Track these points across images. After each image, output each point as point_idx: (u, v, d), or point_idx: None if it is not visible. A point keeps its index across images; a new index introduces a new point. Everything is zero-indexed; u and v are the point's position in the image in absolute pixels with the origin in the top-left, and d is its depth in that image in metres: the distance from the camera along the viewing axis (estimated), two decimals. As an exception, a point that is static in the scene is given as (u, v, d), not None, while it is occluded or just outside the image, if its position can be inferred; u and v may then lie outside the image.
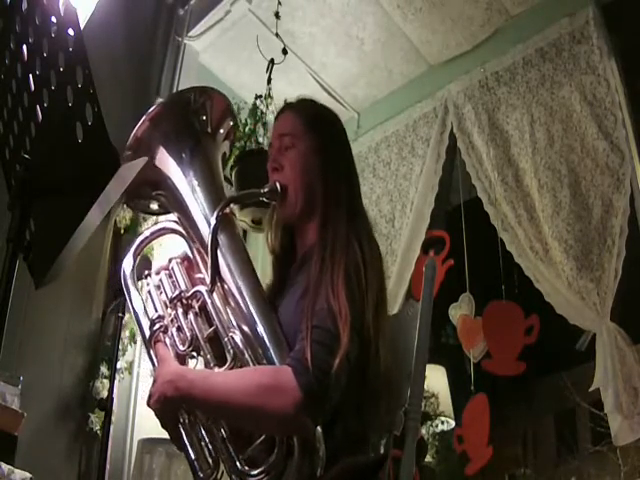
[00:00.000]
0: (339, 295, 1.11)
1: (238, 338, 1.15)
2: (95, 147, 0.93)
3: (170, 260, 1.32)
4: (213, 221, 1.22)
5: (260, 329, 1.15)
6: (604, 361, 2.31)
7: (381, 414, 1.19)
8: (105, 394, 2.31)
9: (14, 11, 1.12)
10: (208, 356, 1.18)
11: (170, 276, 1.29)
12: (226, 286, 1.21)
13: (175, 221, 1.35)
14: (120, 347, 2.52)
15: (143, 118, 1.27)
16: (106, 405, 1.92)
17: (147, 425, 2.51)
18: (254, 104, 2.98)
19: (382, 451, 1.20)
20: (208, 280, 1.21)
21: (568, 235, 2.55)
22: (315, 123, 1.38)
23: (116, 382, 2.29)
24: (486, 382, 2.76)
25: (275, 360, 1.12)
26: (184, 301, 1.24)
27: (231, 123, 1.41)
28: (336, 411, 1.09)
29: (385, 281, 1.27)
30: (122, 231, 2.75)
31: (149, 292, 1.30)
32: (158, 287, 1.29)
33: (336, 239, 1.22)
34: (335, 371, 1.05)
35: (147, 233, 1.37)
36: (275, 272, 1.38)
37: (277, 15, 3.04)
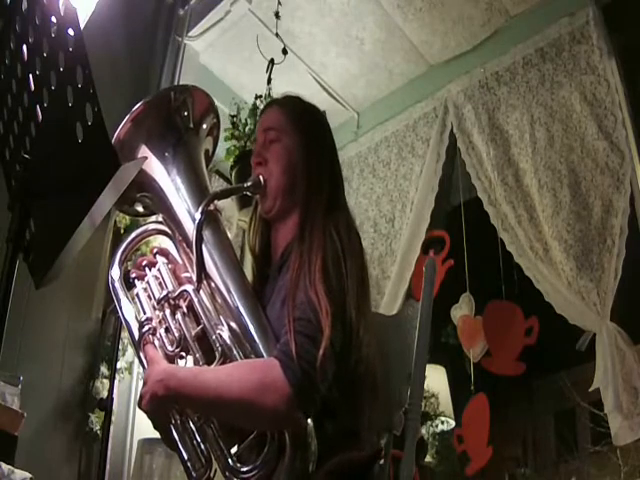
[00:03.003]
0: (317, 287, 1.12)
1: (226, 335, 1.15)
2: (95, 147, 0.93)
3: (155, 254, 1.32)
4: (198, 216, 1.22)
5: (247, 325, 1.15)
6: (604, 361, 2.30)
7: (369, 403, 1.19)
8: (105, 394, 2.31)
9: (14, 11, 1.12)
10: (197, 355, 1.18)
11: (157, 277, 1.29)
12: (212, 283, 1.21)
13: (160, 222, 1.35)
14: (120, 347, 2.52)
15: (125, 119, 1.27)
16: (106, 405, 1.91)
17: (147, 425, 2.50)
18: (254, 104, 2.97)
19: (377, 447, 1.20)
20: (194, 278, 1.21)
21: (568, 235, 2.55)
22: (300, 118, 1.38)
23: (116, 382, 2.29)
24: (486, 382, 2.75)
25: (264, 355, 1.12)
26: (171, 301, 1.24)
27: (214, 120, 1.40)
28: (325, 402, 1.09)
29: (367, 267, 1.26)
30: (122, 231, 2.75)
31: (137, 295, 1.29)
32: (146, 290, 1.29)
33: (313, 233, 1.22)
34: (320, 361, 1.06)
35: (130, 237, 1.37)
36: (255, 272, 1.39)
37: (277, 15, 3.04)
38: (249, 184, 1.33)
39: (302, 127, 1.36)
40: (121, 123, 1.27)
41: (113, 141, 1.26)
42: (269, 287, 1.30)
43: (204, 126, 1.39)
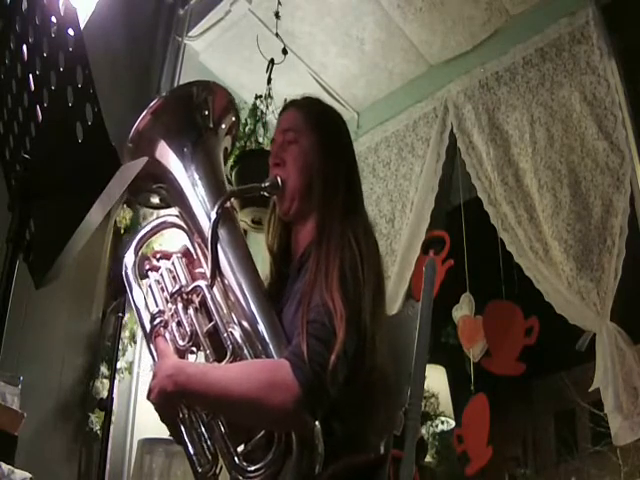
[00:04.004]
0: (333, 292, 1.12)
1: (237, 333, 1.16)
2: (95, 147, 0.93)
3: (159, 259, 1.32)
4: (214, 215, 1.22)
5: (260, 325, 1.15)
6: (604, 361, 2.30)
7: (379, 410, 1.19)
8: (105, 394, 2.31)
9: (14, 11, 1.12)
10: (207, 351, 1.18)
11: (171, 271, 1.29)
12: (226, 281, 1.21)
13: (176, 215, 1.35)
14: (120, 347, 2.52)
15: (145, 111, 1.27)
16: (106, 405, 1.91)
17: (147, 425, 2.51)
18: (254, 104, 2.98)
19: (382, 451, 1.20)
20: (208, 275, 1.21)
21: (568, 235, 2.55)
22: (319, 121, 1.38)
23: (116, 382, 2.29)
24: (486, 382, 2.75)
25: (274, 356, 1.13)
26: (184, 296, 1.24)
27: (233, 118, 1.41)
28: (334, 406, 1.09)
29: (383, 275, 1.26)
30: (122, 231, 2.75)
31: (150, 287, 1.29)
32: (159, 282, 1.29)
33: (331, 237, 1.22)
34: (332, 365, 1.05)
35: (148, 228, 1.37)
36: (273, 272, 1.38)
37: (277, 15, 3.04)
38: (267, 184, 1.33)
39: (320, 129, 1.36)
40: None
41: (132, 133, 1.26)
42: (287, 288, 1.30)
43: (223, 125, 1.39)
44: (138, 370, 2.70)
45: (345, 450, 1.12)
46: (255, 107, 2.96)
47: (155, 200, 1.40)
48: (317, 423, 1.06)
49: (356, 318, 1.12)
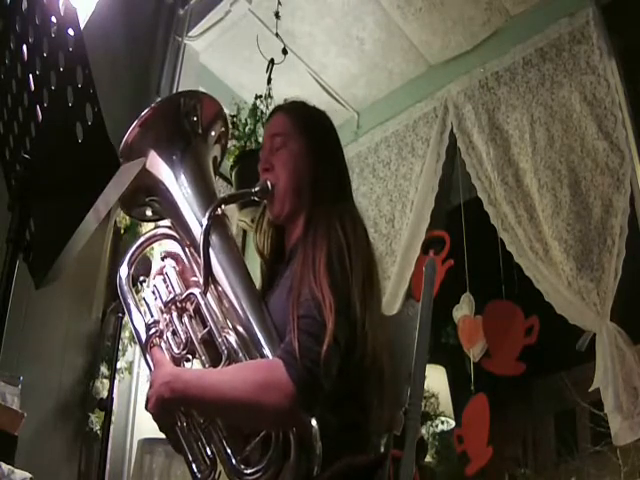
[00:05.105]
0: (321, 282, 1.12)
1: (232, 338, 1.16)
2: (95, 147, 0.93)
3: (164, 259, 1.33)
4: (205, 222, 1.23)
5: (254, 329, 1.16)
6: (604, 361, 2.31)
7: (373, 397, 1.19)
8: (105, 394, 2.31)
9: (14, 11, 1.12)
10: (203, 358, 1.18)
11: (165, 281, 1.30)
12: (219, 287, 1.21)
13: (169, 226, 1.36)
14: (120, 347, 2.51)
15: (133, 124, 1.28)
16: (106, 405, 1.91)
17: (147, 425, 2.50)
18: (254, 104, 2.98)
19: (382, 451, 1.20)
20: (201, 282, 1.22)
21: (568, 235, 2.55)
22: (306, 124, 1.40)
23: (116, 382, 2.29)
24: (486, 382, 2.75)
25: (269, 357, 1.13)
26: (178, 304, 1.24)
27: (222, 129, 1.41)
28: (327, 397, 1.09)
29: (374, 260, 1.26)
30: (122, 231, 2.75)
31: (144, 298, 1.30)
32: (153, 292, 1.30)
33: (318, 227, 1.23)
34: (324, 358, 1.06)
35: (142, 240, 1.38)
36: (265, 273, 1.39)
37: (277, 15, 3.04)
38: (257, 189, 1.33)
39: (307, 131, 1.38)
40: (127, 126, 1.27)
41: (122, 146, 1.27)
42: (277, 281, 1.31)
43: (212, 132, 1.39)
44: (138, 370, 2.70)
45: (343, 446, 1.12)
46: (255, 107, 2.96)
47: (149, 213, 1.41)
48: (315, 424, 1.06)
49: (345, 306, 1.12)
